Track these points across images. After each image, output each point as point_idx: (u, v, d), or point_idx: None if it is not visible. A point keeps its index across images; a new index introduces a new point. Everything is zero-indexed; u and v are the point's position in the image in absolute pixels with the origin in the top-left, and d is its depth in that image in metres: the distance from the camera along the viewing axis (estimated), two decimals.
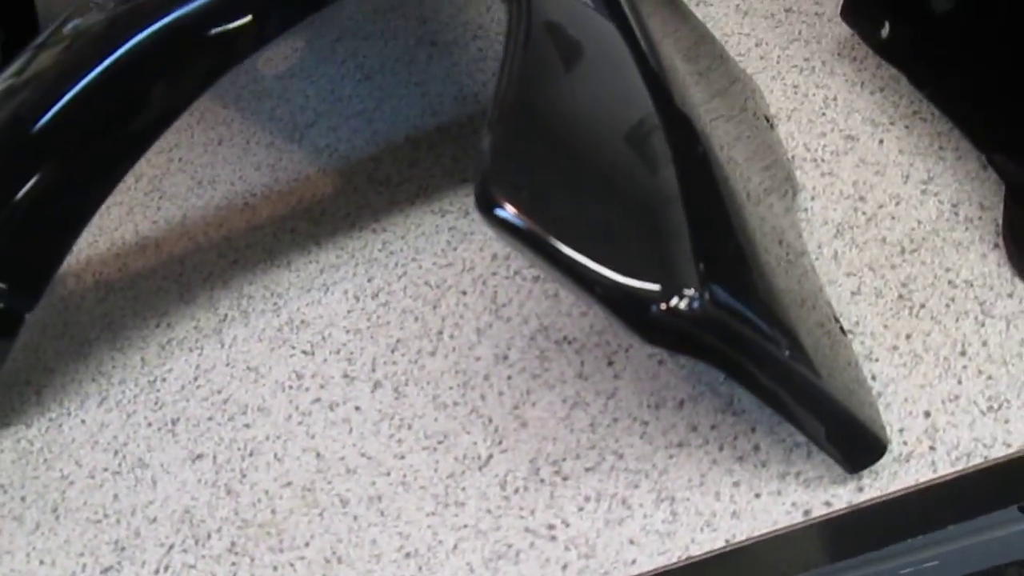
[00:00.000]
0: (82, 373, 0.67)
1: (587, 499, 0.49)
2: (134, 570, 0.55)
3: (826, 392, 0.40)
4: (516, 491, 0.50)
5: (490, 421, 0.54)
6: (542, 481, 0.50)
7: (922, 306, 0.50)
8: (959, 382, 0.47)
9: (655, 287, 0.35)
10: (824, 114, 0.61)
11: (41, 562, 0.57)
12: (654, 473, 0.48)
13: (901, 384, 0.47)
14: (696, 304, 0.35)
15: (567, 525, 0.48)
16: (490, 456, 0.52)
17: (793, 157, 0.59)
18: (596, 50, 0.48)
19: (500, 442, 0.53)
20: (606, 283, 0.35)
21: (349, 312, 0.63)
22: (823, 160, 0.58)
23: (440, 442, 0.54)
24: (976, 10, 0.54)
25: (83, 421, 0.64)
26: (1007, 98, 0.51)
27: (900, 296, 0.51)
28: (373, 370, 0.59)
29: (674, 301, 0.35)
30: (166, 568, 0.54)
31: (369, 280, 0.64)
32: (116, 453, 0.61)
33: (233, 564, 0.53)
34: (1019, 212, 0.49)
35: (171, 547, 0.55)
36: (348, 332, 0.61)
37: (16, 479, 0.62)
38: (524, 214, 0.35)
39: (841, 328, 0.49)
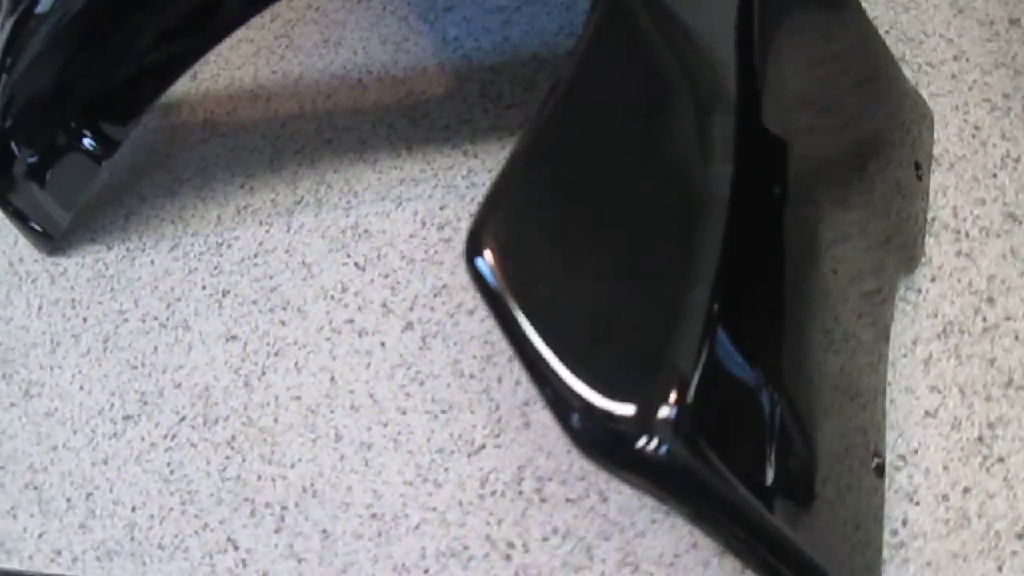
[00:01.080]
0: (166, 211, 0.69)
1: (555, 531, 0.46)
2: (148, 428, 0.58)
3: (806, 556, 0.35)
4: (493, 493, 0.48)
5: (496, 408, 0.51)
6: (520, 493, 0.48)
7: (1000, 460, 0.42)
8: (999, 569, 0.40)
9: (624, 410, 0.30)
10: (995, 176, 0.50)
11: (81, 387, 0.61)
12: (630, 532, 0.45)
13: (932, 544, 0.41)
14: (664, 449, 0.30)
15: (526, 550, 0.46)
16: (483, 446, 0.50)
17: (933, 220, 0.50)
18: (680, 43, 0.40)
19: (498, 435, 0.50)
20: (561, 389, 0.30)
21: (411, 237, 0.60)
22: (967, 236, 0.49)
23: (443, 411, 0.52)
24: None
25: (152, 262, 0.66)
26: None
27: (980, 438, 0.43)
28: (411, 308, 0.57)
29: (641, 442, 0.30)
30: (173, 437, 0.57)
31: (441, 208, 0.61)
32: (169, 306, 0.63)
33: (227, 458, 0.55)
34: None
35: (183, 419, 0.57)
36: (403, 258, 0.59)
37: (85, 298, 0.66)
38: (501, 275, 0.31)
39: (879, 459, 0.42)
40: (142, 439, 0.57)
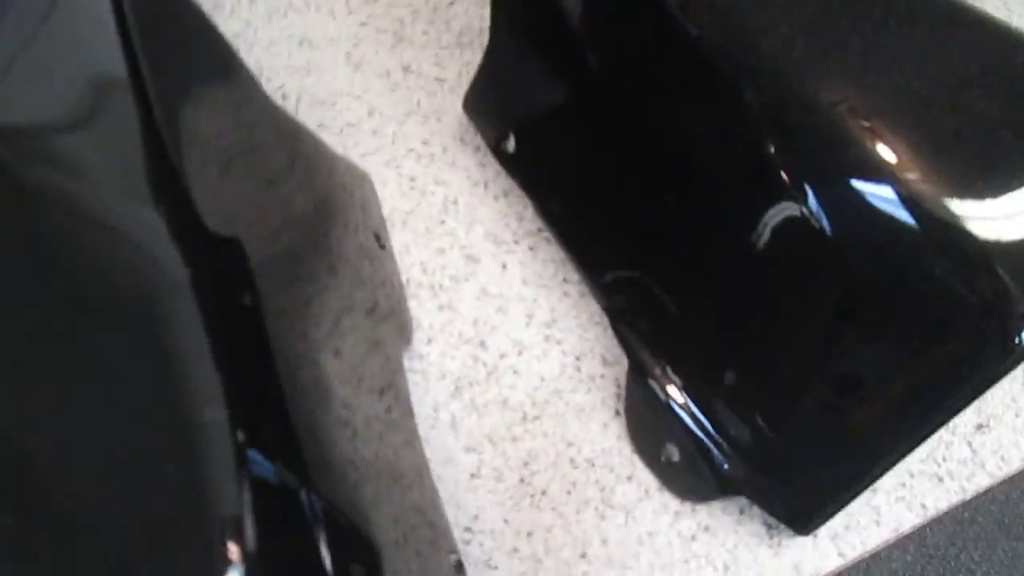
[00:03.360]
0: None
1: None
2: None
3: None
4: None
5: None
6: None
7: (543, 493, 0.45)
8: None
9: None
10: (443, 222, 0.52)
11: None
12: None
13: None
14: None
15: None
16: None
17: (408, 282, 0.50)
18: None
19: None
20: None
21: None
22: (441, 287, 0.50)
23: None
24: (597, 147, 0.48)
25: None
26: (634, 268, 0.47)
27: (522, 480, 0.45)
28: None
29: None
30: None
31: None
32: None
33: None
34: (640, 389, 0.45)
35: None
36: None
37: None
38: None
39: (455, 556, 0.42)
40: None
